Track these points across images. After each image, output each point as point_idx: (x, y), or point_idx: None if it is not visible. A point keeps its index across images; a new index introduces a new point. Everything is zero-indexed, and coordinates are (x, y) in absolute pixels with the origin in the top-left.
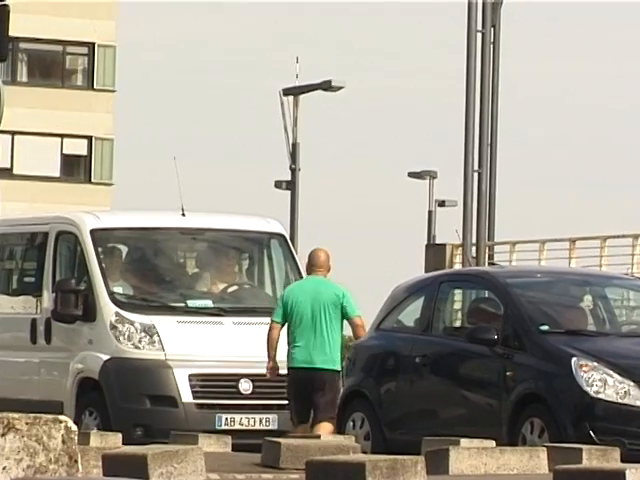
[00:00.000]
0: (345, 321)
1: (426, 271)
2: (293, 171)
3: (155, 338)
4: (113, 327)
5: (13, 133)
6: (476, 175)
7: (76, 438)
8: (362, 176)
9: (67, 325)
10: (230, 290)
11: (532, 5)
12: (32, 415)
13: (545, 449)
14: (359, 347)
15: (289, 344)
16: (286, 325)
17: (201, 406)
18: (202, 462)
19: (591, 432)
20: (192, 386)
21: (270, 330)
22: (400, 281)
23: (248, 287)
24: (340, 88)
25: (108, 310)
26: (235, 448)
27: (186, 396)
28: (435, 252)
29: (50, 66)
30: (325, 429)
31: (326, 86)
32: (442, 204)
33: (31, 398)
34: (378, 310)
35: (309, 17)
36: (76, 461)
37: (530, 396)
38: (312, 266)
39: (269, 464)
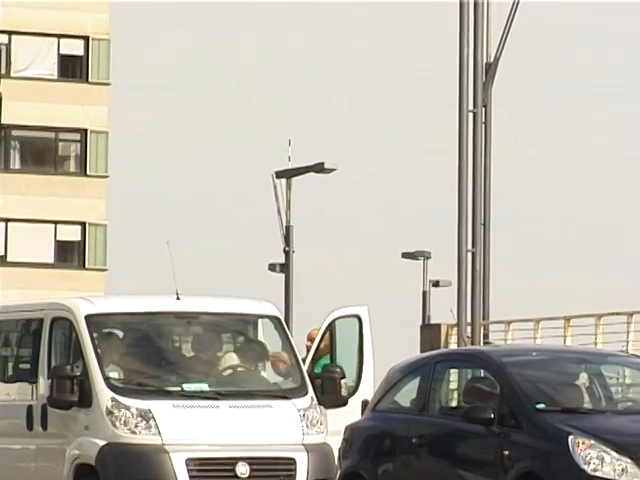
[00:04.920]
0: None
1: (421, 351)
2: (287, 253)
3: (151, 423)
4: (109, 412)
5: (7, 220)
6: (470, 255)
7: None
8: (356, 257)
9: (63, 411)
10: (226, 374)
11: (523, 84)
12: None
13: None
14: (355, 428)
15: None
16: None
17: None
18: None
19: None
20: (189, 470)
21: None
22: (396, 362)
23: (244, 370)
24: (332, 170)
25: (104, 395)
26: None
27: None
28: (430, 332)
29: (42, 153)
30: None
31: (318, 168)
32: (436, 284)
33: None
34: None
35: (301, 100)
36: None
37: (527, 475)
38: None
39: None
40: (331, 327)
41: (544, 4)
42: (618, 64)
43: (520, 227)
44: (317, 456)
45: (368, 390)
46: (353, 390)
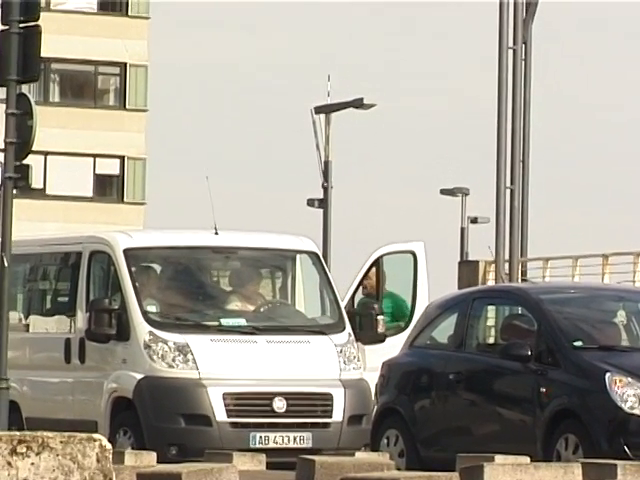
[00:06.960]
0: None
1: (459, 288)
2: (325, 189)
3: (189, 357)
4: (147, 346)
5: (46, 153)
6: (508, 192)
7: (111, 457)
8: (394, 193)
9: (101, 344)
10: (263, 309)
11: (563, 21)
12: (66, 434)
13: (580, 465)
14: (392, 364)
15: None
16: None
17: (235, 425)
18: None
19: (626, 448)
20: (226, 405)
21: None
22: (433, 298)
23: (281, 305)
24: (372, 106)
25: (142, 329)
26: (269, 466)
27: (220, 415)
28: (468, 269)
29: (82, 86)
30: None
31: (358, 104)
32: (474, 221)
33: (65, 418)
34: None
35: (340, 36)
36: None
37: (564, 412)
38: None
39: None
40: (378, 263)
41: None
42: None
43: (559, 165)
44: (354, 392)
45: None
46: (405, 326)
